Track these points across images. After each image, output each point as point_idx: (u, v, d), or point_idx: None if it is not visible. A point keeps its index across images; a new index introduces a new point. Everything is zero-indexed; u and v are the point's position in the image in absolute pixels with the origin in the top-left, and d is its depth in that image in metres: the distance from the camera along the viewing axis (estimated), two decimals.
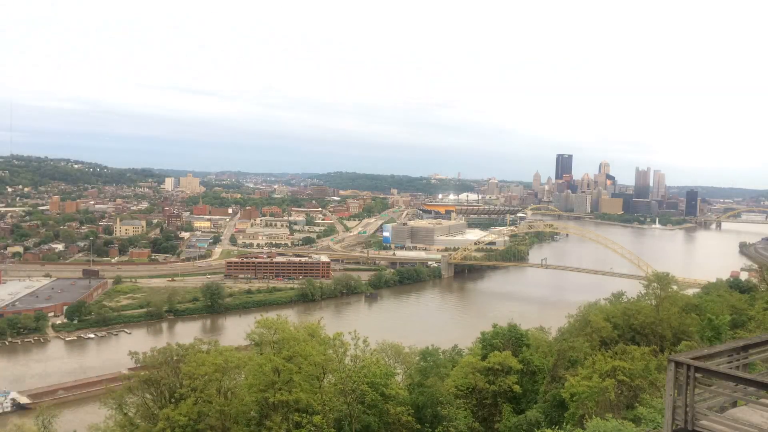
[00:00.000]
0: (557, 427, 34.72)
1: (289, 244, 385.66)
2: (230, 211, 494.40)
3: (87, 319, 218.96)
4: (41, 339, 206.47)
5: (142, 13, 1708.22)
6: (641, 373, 40.54)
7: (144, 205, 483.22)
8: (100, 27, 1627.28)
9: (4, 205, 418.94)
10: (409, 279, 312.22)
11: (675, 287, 70.19)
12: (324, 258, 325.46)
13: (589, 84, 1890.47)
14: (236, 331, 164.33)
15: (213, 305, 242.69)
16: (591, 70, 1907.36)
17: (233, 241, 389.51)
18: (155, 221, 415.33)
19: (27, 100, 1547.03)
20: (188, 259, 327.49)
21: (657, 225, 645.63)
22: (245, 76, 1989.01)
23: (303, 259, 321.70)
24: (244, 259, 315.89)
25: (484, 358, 53.25)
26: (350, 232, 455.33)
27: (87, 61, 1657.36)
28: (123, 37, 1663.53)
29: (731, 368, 12.78)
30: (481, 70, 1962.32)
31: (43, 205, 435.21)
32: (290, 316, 58.12)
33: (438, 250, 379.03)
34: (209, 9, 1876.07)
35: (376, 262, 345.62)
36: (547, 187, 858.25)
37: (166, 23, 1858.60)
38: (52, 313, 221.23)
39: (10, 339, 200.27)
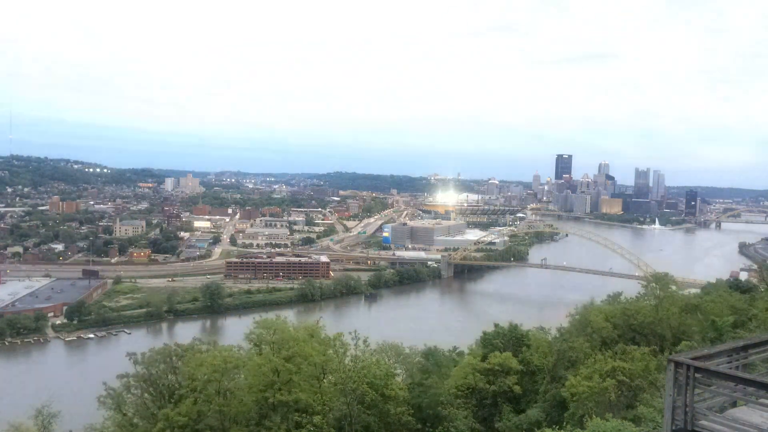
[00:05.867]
0: (557, 426, 34.71)
1: (289, 245, 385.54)
2: (230, 211, 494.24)
3: (87, 319, 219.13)
4: (41, 339, 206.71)
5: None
6: (641, 374, 40.51)
7: (144, 205, 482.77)
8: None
9: (3, 205, 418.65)
10: (409, 279, 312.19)
11: (674, 287, 70.08)
12: (324, 258, 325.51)
13: (589, 84, 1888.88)
14: (236, 331, 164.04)
15: (213, 305, 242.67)
16: (591, 70, 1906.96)
17: (233, 241, 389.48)
18: (155, 221, 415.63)
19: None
20: (188, 259, 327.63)
21: (656, 225, 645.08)
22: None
23: (303, 260, 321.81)
24: (244, 260, 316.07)
25: (484, 358, 53.17)
26: (350, 232, 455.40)
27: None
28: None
29: (731, 368, 12.77)
30: (482, 71, 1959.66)
31: (42, 205, 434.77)
32: (290, 317, 58.20)
33: (438, 250, 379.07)
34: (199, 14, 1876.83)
35: (376, 262, 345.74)
36: (546, 188, 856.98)
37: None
38: (51, 314, 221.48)
39: (9, 339, 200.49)
